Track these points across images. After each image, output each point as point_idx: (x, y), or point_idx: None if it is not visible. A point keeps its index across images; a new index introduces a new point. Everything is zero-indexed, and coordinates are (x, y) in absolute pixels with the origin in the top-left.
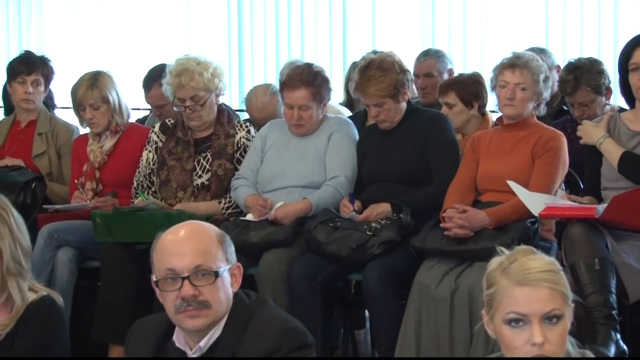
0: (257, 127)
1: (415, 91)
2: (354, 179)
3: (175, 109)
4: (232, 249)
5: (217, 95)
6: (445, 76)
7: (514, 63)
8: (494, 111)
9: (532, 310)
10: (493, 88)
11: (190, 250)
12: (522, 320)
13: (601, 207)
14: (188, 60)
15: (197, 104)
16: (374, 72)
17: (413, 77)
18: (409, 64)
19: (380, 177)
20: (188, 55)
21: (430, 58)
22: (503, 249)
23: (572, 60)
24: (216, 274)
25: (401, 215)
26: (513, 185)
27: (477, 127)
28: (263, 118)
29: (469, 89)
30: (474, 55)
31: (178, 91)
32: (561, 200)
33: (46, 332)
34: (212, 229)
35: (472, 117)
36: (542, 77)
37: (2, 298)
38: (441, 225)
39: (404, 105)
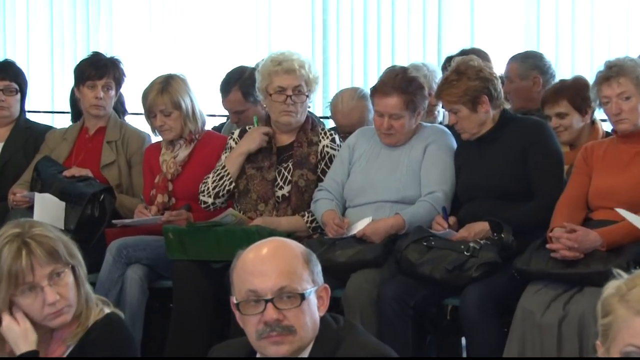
0: (343, 134)
1: None
2: (452, 195)
3: (271, 99)
4: (318, 268)
5: (308, 98)
6: (527, 83)
7: (608, 75)
8: (604, 120)
9: None
10: (599, 106)
11: (274, 271)
12: None
13: None
14: (291, 52)
15: (302, 94)
16: (450, 75)
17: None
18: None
19: (477, 194)
20: (290, 50)
21: (514, 62)
22: (620, 272)
23: None
24: (302, 297)
25: (502, 235)
26: (623, 213)
27: (587, 139)
28: (349, 124)
29: (582, 93)
30: (583, 57)
31: (281, 78)
32: None
33: (116, 351)
34: (297, 246)
35: (585, 125)
36: None
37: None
38: (547, 246)
39: (484, 116)
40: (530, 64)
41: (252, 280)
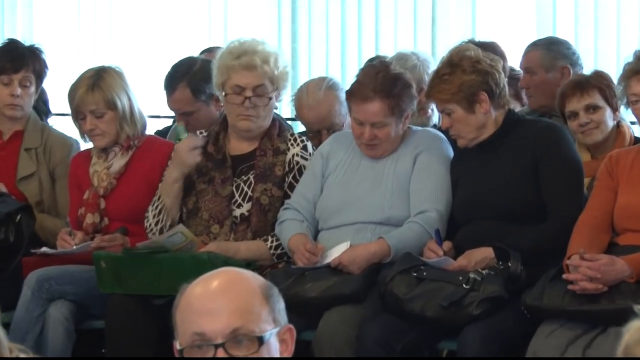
0: (310, 132)
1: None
2: (448, 215)
3: (226, 100)
4: (281, 305)
5: (276, 98)
6: (554, 75)
7: (638, 68)
8: (634, 122)
9: None
10: (627, 105)
11: (226, 309)
12: None
13: None
14: (256, 41)
15: (264, 96)
16: (442, 67)
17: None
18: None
19: (477, 214)
20: (254, 38)
21: (536, 50)
22: None
23: None
24: (260, 340)
25: (508, 264)
26: None
27: (612, 146)
28: (316, 120)
29: (613, 87)
30: (607, 47)
31: (240, 75)
32: None
33: None
34: (254, 279)
35: (612, 128)
36: None
37: None
38: (564, 276)
39: (483, 117)
40: (557, 52)
41: (198, 321)
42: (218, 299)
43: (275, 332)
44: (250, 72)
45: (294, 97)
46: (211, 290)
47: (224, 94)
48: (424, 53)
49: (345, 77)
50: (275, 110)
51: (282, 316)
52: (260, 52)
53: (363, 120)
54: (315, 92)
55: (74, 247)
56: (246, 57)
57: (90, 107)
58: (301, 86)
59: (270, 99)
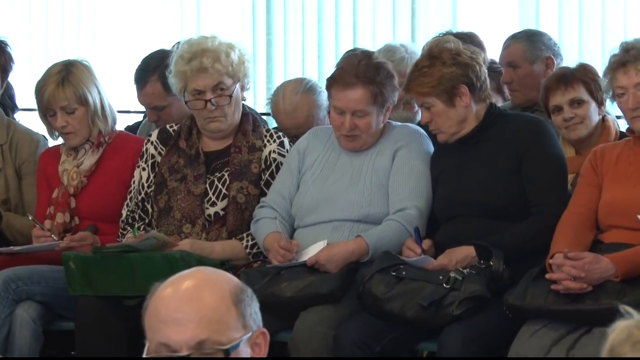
0: (288, 137)
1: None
2: (428, 213)
3: (189, 106)
4: (252, 309)
5: (243, 89)
6: (539, 67)
7: (624, 60)
8: (619, 116)
9: None
10: (612, 99)
11: (193, 319)
12: None
13: None
14: (204, 39)
15: (225, 94)
16: (421, 60)
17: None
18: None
19: (458, 211)
20: (202, 35)
21: (517, 42)
22: (629, 309)
23: None
24: (226, 352)
25: (490, 262)
26: None
27: (597, 140)
28: (294, 126)
29: (598, 80)
30: (591, 40)
31: (195, 79)
32: None
33: None
34: (225, 283)
35: (597, 123)
36: None
37: None
38: (547, 276)
39: (463, 111)
40: (539, 43)
41: (164, 331)
42: (185, 308)
43: (245, 339)
44: (204, 74)
45: (270, 99)
46: (178, 298)
47: (186, 100)
48: (412, 45)
49: (322, 72)
50: (245, 103)
51: (255, 320)
52: (209, 51)
53: (344, 108)
54: (292, 97)
55: (49, 242)
56: (196, 60)
57: (61, 103)
58: (277, 89)
59: (232, 94)
